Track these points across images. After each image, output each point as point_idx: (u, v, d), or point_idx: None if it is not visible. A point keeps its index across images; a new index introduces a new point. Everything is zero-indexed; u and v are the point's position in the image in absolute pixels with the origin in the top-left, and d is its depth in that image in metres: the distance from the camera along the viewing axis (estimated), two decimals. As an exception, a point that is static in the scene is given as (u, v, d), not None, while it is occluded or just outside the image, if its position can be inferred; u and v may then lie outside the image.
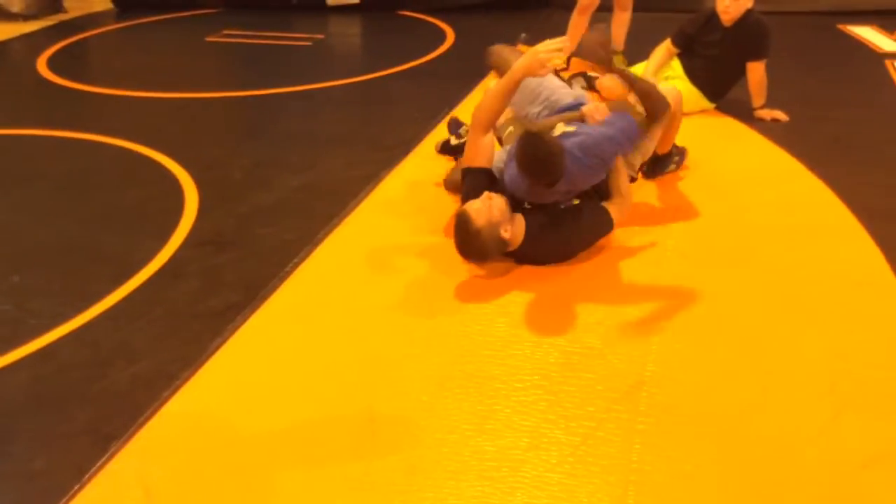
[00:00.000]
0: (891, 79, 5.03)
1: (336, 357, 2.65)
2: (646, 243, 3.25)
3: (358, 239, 3.40)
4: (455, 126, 4.06)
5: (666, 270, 3.08)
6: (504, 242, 3.01)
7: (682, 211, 3.52)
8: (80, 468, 2.18)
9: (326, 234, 3.39)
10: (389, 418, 2.37)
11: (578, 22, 5.26)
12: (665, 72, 4.64)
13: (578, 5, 5.20)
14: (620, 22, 5.21)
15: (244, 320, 2.83)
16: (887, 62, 5.25)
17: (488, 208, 2.96)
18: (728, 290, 2.94)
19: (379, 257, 3.25)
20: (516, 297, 2.94)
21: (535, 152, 2.92)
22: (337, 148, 4.36)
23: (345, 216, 3.55)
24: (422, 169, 4.06)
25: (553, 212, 3.12)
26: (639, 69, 4.71)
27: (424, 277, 3.09)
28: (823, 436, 2.24)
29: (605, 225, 3.18)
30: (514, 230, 3.02)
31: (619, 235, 3.30)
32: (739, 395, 2.41)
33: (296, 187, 3.89)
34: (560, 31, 5.45)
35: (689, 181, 3.78)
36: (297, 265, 3.17)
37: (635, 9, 5.24)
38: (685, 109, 4.52)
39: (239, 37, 6.66)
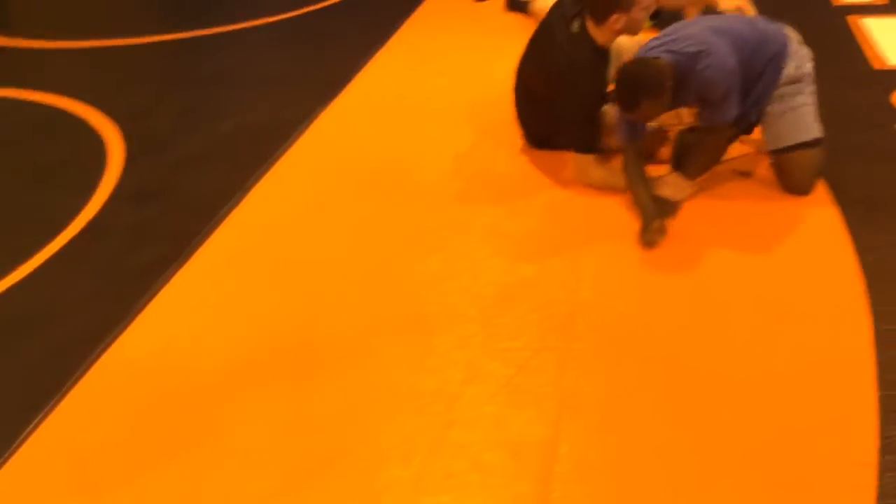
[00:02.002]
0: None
1: (269, 303, 2.61)
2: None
3: (290, 182, 3.33)
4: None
5: (598, 195, 3.06)
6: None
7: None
8: (8, 437, 2.13)
9: (258, 179, 3.31)
10: (326, 361, 2.34)
11: None
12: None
13: None
14: None
15: (174, 273, 2.77)
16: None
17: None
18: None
19: (312, 199, 3.19)
20: (452, 231, 2.91)
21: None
22: (268, 89, 4.24)
23: (277, 159, 3.46)
24: (356, 107, 3.97)
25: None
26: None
27: (358, 217, 3.04)
28: (756, 347, 2.26)
29: (577, 134, 3.05)
30: (615, 30, 2.94)
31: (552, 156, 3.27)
32: (672, 314, 2.43)
33: (226, 132, 3.79)
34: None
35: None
36: (228, 212, 3.09)
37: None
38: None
39: (163, -23, 6.38)
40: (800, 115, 2.91)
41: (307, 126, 3.74)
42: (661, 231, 2.77)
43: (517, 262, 2.71)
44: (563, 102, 3.05)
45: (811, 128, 2.91)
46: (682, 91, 2.73)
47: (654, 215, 2.80)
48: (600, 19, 2.95)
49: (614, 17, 2.91)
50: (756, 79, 2.83)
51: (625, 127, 2.91)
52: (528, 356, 2.29)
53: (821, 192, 2.92)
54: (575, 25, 3.02)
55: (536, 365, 2.26)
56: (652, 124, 3.04)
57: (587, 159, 3.07)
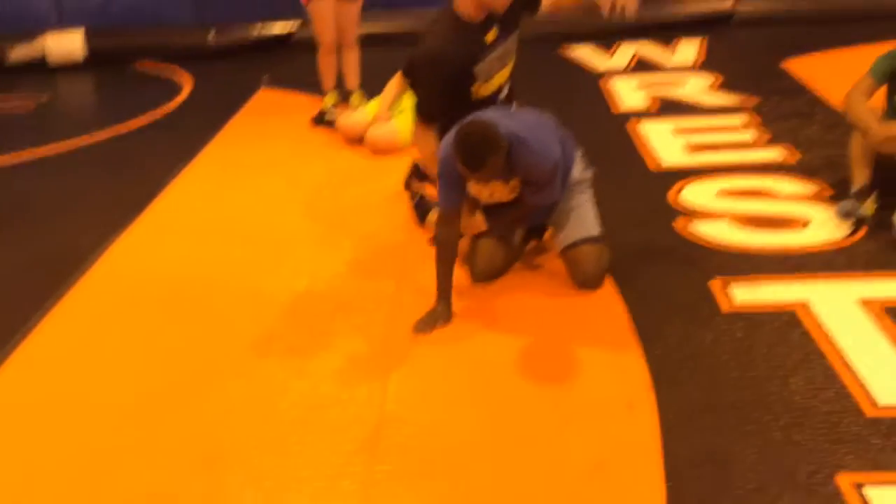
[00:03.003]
0: (603, 97, 5.41)
1: (49, 452, 2.39)
2: (385, 282, 3.25)
3: (79, 315, 3.14)
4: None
5: (398, 305, 3.07)
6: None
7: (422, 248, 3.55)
8: None
9: (41, 318, 3.09)
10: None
11: (327, 62, 5.23)
12: (399, 105, 4.71)
13: (321, 47, 5.18)
14: (351, 61, 5.24)
15: (-60, 429, 2.50)
16: (600, 81, 5.66)
17: None
18: (461, 316, 2.98)
19: (101, 332, 3.01)
20: (252, 355, 2.82)
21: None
22: (60, 218, 4.04)
23: (63, 294, 3.26)
24: (154, 230, 3.84)
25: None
26: (373, 105, 4.76)
27: (151, 349, 2.90)
28: (551, 448, 2.30)
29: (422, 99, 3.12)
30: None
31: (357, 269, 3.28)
32: (475, 421, 2.43)
33: (9, 267, 3.54)
34: (302, 71, 5.45)
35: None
36: (7, 355, 2.86)
37: (365, 46, 5.28)
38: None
39: (-51, 107, 6.05)
40: (584, 212, 3.12)
41: (100, 255, 3.57)
42: (441, 323, 2.88)
43: (320, 383, 2.65)
44: (416, 63, 3.13)
45: (594, 225, 3.11)
46: (509, 166, 2.82)
47: (446, 304, 2.91)
48: None
49: None
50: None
51: (445, 191, 2.91)
52: (326, 485, 2.21)
53: (608, 287, 3.08)
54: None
55: (337, 494, 2.18)
56: (477, 193, 3.06)
57: (425, 131, 3.12)
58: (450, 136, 2.84)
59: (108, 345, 2.94)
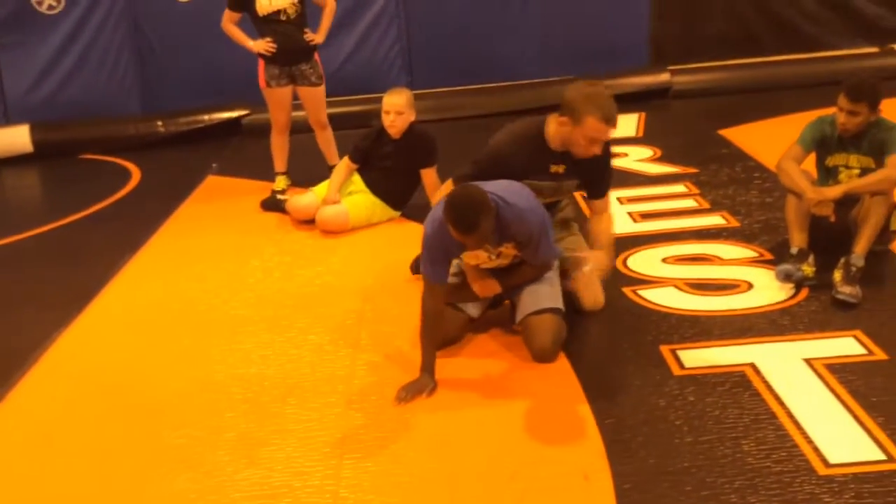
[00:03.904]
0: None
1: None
2: (337, 363, 3.22)
3: (25, 413, 3.05)
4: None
5: (351, 387, 3.04)
6: None
7: (374, 328, 3.55)
8: None
9: (-18, 416, 3.01)
10: None
11: (278, 142, 5.28)
12: (348, 187, 4.76)
13: (274, 127, 5.24)
14: (325, 140, 5.32)
15: None
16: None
17: None
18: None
19: (45, 431, 2.91)
20: (202, 445, 2.75)
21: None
22: (2, 314, 3.93)
23: (7, 391, 3.16)
24: (100, 325, 3.77)
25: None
26: (323, 187, 4.80)
27: (98, 444, 2.81)
28: (510, 527, 2.27)
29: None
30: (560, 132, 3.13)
31: (308, 356, 3.24)
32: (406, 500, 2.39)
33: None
34: (250, 158, 5.48)
35: (389, 286, 3.82)
36: (-59, 460, 2.75)
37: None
38: (373, 220, 4.70)
39: None
40: (549, 285, 3.17)
41: (46, 349, 3.49)
42: (427, 393, 2.89)
43: (272, 471, 2.59)
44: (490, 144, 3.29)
45: (557, 298, 3.16)
46: (499, 229, 2.90)
47: (429, 375, 2.93)
48: (558, 110, 3.13)
49: (563, 118, 3.08)
50: None
51: (432, 266, 2.97)
52: (279, 578, 2.14)
53: (563, 361, 3.08)
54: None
55: (290, 585, 2.12)
56: (473, 259, 3.11)
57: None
58: (435, 211, 2.93)
59: (56, 439, 2.85)
